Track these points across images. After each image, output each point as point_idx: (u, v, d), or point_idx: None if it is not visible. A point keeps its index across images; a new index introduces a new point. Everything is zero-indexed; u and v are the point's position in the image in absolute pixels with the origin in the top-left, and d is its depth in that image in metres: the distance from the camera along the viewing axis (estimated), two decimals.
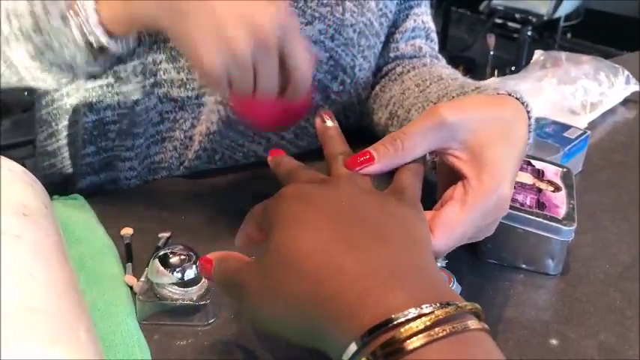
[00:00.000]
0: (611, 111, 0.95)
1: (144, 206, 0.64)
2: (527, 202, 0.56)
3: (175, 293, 0.47)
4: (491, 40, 3.09)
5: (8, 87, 0.57)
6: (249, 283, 0.37)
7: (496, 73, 2.94)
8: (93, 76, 0.62)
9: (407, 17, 0.78)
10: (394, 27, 0.78)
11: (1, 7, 0.52)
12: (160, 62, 0.64)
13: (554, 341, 0.49)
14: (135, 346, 0.44)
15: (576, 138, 0.74)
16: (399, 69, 0.76)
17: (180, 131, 0.70)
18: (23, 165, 0.45)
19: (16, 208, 0.40)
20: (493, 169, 0.44)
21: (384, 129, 0.71)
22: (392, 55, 0.78)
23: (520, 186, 0.58)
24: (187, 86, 0.67)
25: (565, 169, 0.63)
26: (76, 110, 0.68)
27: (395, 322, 0.29)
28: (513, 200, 0.54)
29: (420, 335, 0.28)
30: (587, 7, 3.41)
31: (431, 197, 0.47)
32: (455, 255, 0.55)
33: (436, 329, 0.29)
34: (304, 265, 0.34)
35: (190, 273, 0.47)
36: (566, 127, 0.77)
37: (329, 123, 0.50)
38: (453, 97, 0.59)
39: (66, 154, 0.73)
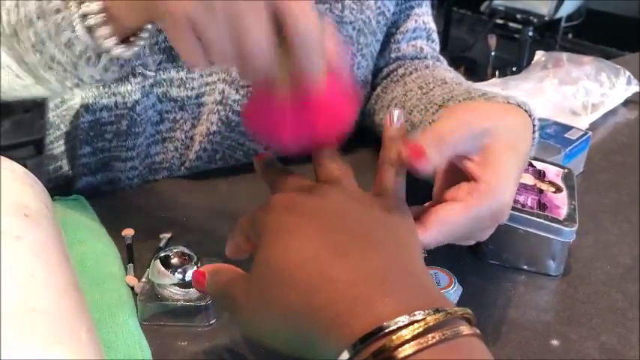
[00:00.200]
0: (613, 112, 0.95)
1: (145, 207, 0.64)
2: (529, 203, 0.56)
3: (176, 294, 0.47)
4: (493, 40, 3.09)
5: (14, 96, 0.56)
6: (240, 295, 0.37)
7: (497, 73, 2.93)
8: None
9: (408, 17, 0.78)
10: (395, 27, 0.77)
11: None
12: (160, 62, 0.64)
13: (555, 342, 0.49)
14: (136, 346, 0.44)
15: (577, 139, 0.74)
16: (401, 70, 0.76)
17: (180, 131, 0.70)
18: (24, 165, 0.45)
19: (17, 208, 0.40)
20: (500, 176, 0.45)
21: None
22: (393, 55, 0.78)
23: (521, 187, 0.58)
24: (187, 85, 0.66)
25: (566, 170, 0.63)
26: (77, 111, 0.68)
27: (386, 330, 0.29)
28: (515, 201, 0.54)
29: (412, 343, 0.28)
30: (588, 7, 3.40)
31: (419, 194, 0.47)
32: (456, 256, 0.56)
33: (427, 336, 0.29)
34: (294, 277, 0.34)
35: (191, 274, 0.46)
36: (568, 128, 0.77)
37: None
38: (459, 101, 0.59)
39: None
